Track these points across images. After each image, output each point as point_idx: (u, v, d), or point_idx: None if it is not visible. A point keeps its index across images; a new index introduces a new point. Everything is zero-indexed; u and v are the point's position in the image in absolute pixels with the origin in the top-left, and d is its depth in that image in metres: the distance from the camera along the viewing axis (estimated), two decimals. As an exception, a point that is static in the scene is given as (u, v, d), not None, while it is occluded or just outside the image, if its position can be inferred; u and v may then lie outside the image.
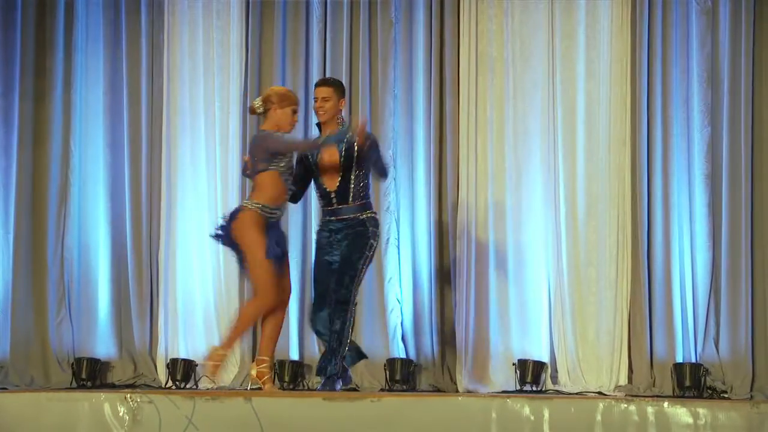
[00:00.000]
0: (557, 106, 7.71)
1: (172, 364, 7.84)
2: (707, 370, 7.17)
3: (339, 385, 6.09)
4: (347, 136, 6.08)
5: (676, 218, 7.50)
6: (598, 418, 4.86)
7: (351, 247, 6.09)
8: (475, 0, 7.83)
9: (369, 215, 6.17)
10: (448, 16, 7.88)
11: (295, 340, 7.89)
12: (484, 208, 7.76)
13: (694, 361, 7.25)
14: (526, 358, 7.48)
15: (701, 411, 4.79)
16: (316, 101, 6.22)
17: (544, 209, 7.70)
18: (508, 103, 7.79)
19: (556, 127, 7.71)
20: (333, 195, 6.15)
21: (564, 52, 7.73)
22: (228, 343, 5.93)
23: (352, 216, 6.13)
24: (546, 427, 4.90)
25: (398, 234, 7.88)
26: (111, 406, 5.20)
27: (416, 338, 7.78)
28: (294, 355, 7.85)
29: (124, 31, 8.27)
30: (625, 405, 4.87)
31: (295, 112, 6.06)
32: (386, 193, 7.89)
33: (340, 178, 6.12)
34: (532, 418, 4.91)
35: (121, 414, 5.18)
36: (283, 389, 7.60)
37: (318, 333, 6.29)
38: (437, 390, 7.57)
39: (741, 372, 7.17)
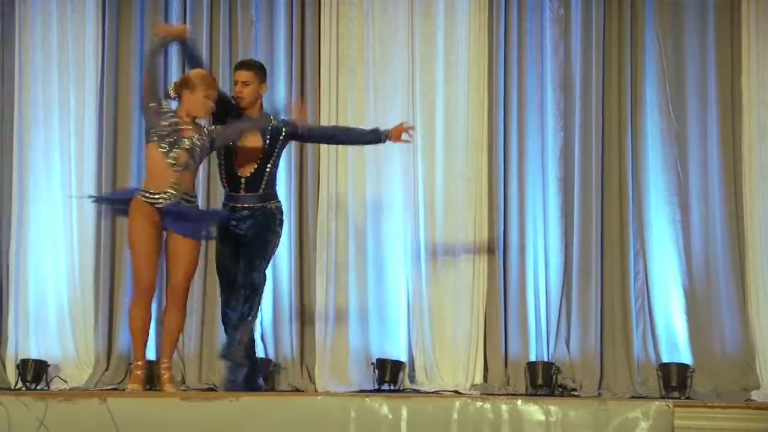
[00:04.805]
0: (416, 109, 7.79)
1: (23, 365, 7.62)
2: (558, 368, 7.37)
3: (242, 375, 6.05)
4: (273, 123, 5.92)
5: (530, 221, 7.67)
6: (455, 416, 4.92)
7: (260, 235, 5.91)
8: (336, 1, 7.87)
9: (277, 205, 6.03)
10: (309, 17, 7.88)
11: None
12: (344, 208, 7.79)
13: (546, 360, 7.44)
14: (385, 357, 7.55)
15: (552, 408, 4.89)
16: (235, 85, 5.93)
17: (403, 210, 7.77)
18: (369, 105, 7.83)
19: (415, 129, 7.76)
20: (243, 181, 5.97)
21: (423, 55, 7.82)
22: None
23: (260, 204, 5.96)
24: (404, 425, 4.94)
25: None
26: (-43, 409, 5.01)
27: (276, 338, 7.76)
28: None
29: (-28, 25, 8.02)
30: (480, 403, 4.94)
31: (208, 97, 5.66)
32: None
33: (256, 166, 5.94)
34: (391, 416, 4.93)
35: (-32, 417, 4.99)
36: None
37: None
38: (296, 390, 7.57)
39: (590, 370, 7.40)
